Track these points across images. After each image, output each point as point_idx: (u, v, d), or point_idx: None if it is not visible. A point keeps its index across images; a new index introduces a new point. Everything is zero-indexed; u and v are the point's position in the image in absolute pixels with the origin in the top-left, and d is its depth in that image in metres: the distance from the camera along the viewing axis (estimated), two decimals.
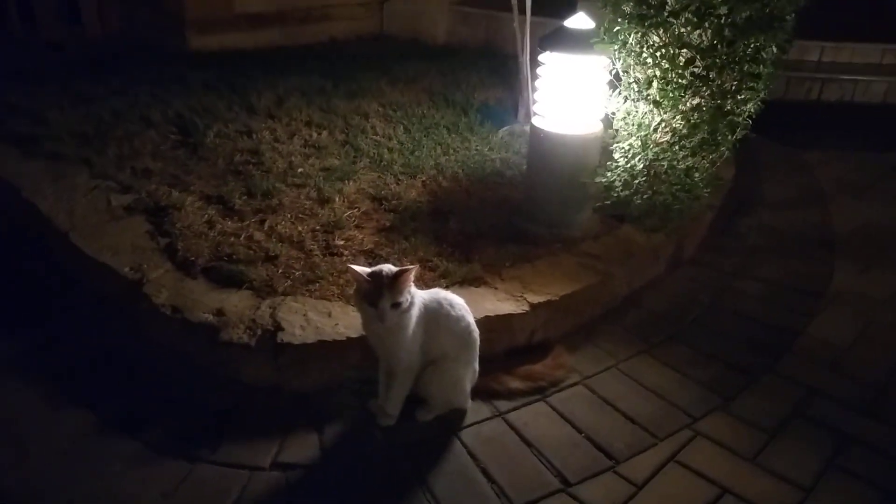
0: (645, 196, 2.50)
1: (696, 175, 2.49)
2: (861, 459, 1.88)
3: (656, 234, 2.62)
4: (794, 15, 2.31)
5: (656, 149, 2.41)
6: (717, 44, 2.20)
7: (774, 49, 2.29)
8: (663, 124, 2.38)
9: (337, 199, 2.75)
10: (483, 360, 1.97)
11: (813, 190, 3.63)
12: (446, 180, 3.02)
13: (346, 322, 2.03)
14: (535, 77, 2.62)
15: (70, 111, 3.45)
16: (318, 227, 2.55)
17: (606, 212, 2.67)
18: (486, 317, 2.09)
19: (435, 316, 1.82)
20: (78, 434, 1.84)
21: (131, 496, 1.67)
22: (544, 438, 1.90)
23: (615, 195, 2.50)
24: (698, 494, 1.75)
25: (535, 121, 2.59)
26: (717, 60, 2.23)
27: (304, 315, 2.06)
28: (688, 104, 2.31)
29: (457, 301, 1.89)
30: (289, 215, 2.62)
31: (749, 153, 3.62)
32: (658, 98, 2.30)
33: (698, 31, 2.21)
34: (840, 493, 1.78)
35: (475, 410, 1.98)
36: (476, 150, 3.34)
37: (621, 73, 2.43)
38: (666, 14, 2.18)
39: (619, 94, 2.45)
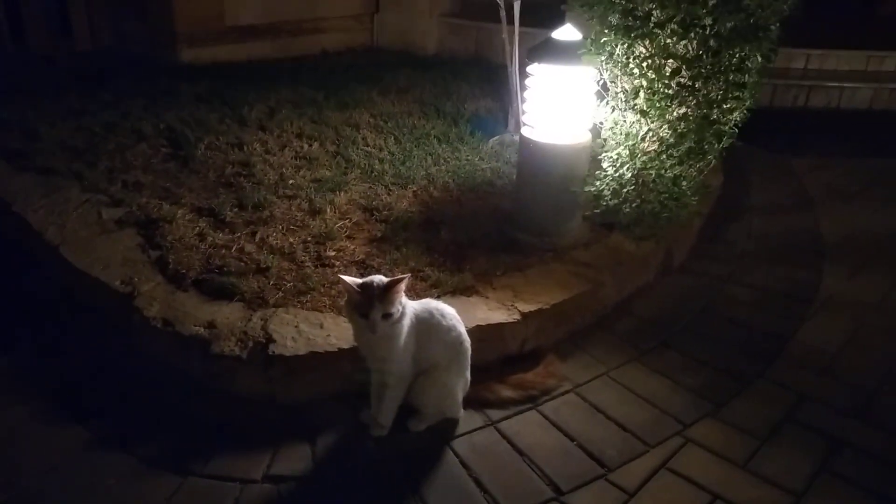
0: (633, 204, 2.52)
1: (684, 183, 2.51)
2: (853, 463, 1.89)
3: (646, 242, 2.64)
4: (778, 24, 2.34)
5: (644, 158, 2.43)
6: (702, 54, 2.23)
7: (759, 58, 2.32)
8: (650, 133, 2.41)
9: (328, 211, 2.76)
10: (475, 369, 1.98)
11: (801, 196, 3.66)
12: (437, 190, 3.04)
13: (337, 333, 2.04)
14: (524, 87, 2.64)
15: (61, 125, 3.45)
16: (309, 239, 2.56)
17: (596, 220, 2.69)
18: (478, 326, 2.10)
19: (426, 326, 1.83)
20: (71, 449, 1.83)
21: None
22: (536, 447, 1.90)
23: (604, 204, 2.52)
24: (690, 501, 1.76)
25: (525, 131, 2.61)
26: (703, 70, 2.25)
27: (296, 327, 2.06)
28: (674, 114, 2.33)
29: (448, 311, 1.89)
30: (280, 227, 2.63)
31: (737, 161, 3.65)
32: (645, 108, 2.32)
33: (684, 42, 2.23)
34: (832, 497, 1.79)
35: (467, 420, 1.98)
36: (467, 159, 3.36)
37: (608, 84, 2.45)
38: (651, 25, 2.20)
39: (607, 104, 2.48)
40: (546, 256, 2.53)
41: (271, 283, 2.27)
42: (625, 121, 2.43)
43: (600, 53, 2.34)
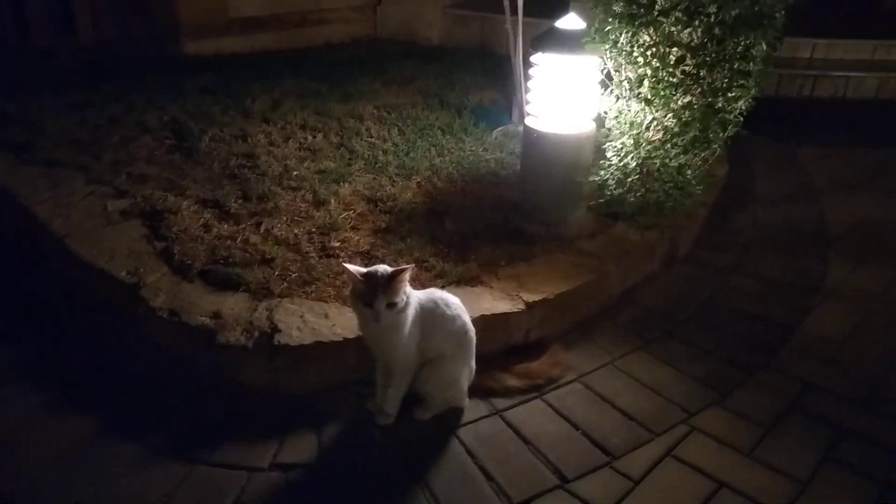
0: (638, 194, 2.52)
1: (689, 172, 2.50)
2: (857, 452, 1.89)
3: (650, 232, 2.63)
4: (783, 12, 2.32)
5: (648, 147, 2.43)
6: (706, 42, 2.22)
7: (764, 47, 2.30)
8: (655, 122, 2.40)
9: (332, 202, 2.76)
10: (480, 359, 1.98)
11: (806, 186, 3.65)
12: (441, 181, 3.04)
13: (342, 323, 2.04)
14: (527, 78, 2.64)
15: (66, 118, 3.46)
16: (313, 230, 2.56)
17: (600, 210, 2.68)
18: (483, 316, 2.10)
19: (430, 316, 1.83)
20: (79, 438, 1.85)
21: (132, 498, 1.68)
22: (541, 435, 1.91)
23: (608, 193, 2.52)
24: (695, 488, 1.76)
25: (529, 121, 2.60)
26: (708, 59, 2.24)
27: (301, 316, 2.07)
28: (679, 102, 2.32)
29: (452, 300, 1.90)
30: (284, 218, 2.63)
31: (742, 150, 3.64)
32: (649, 96, 2.31)
33: (688, 30, 2.22)
34: (837, 485, 1.79)
35: (473, 409, 1.99)
36: (471, 150, 3.36)
37: (612, 73, 2.44)
38: (656, 13, 2.19)
39: (611, 93, 2.46)
40: (550, 246, 2.53)
41: (276, 273, 2.28)
42: (629, 110, 2.42)
43: (604, 42, 2.33)
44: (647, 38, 2.27)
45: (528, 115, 2.65)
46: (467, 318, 1.91)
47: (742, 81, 2.28)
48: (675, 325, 2.43)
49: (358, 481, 1.76)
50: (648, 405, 2.04)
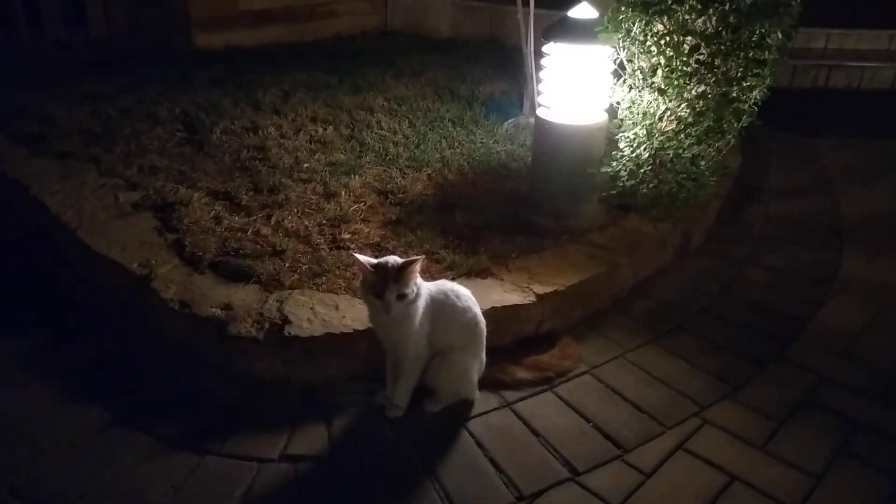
0: (651, 185, 2.49)
1: (703, 163, 2.47)
2: (871, 446, 1.87)
3: (663, 224, 2.61)
4: (798, 1, 2.28)
5: (661, 137, 2.40)
6: (721, 30, 2.19)
7: (780, 35, 2.27)
8: (668, 112, 2.37)
9: (343, 194, 2.76)
10: (490, 351, 1.98)
11: (820, 178, 3.61)
12: (452, 173, 3.02)
13: (353, 314, 2.04)
14: (539, 69, 2.61)
15: (77, 110, 3.47)
16: (324, 222, 2.56)
17: (612, 202, 2.66)
18: (493, 308, 2.09)
19: (441, 307, 1.83)
20: (89, 430, 1.86)
21: (142, 488, 1.68)
22: (552, 428, 1.90)
23: (621, 185, 2.49)
24: (707, 482, 1.75)
25: (540, 112, 2.58)
26: (722, 47, 2.21)
27: (312, 308, 2.07)
28: (693, 92, 2.29)
29: (463, 292, 1.89)
30: (295, 210, 2.63)
31: (755, 142, 3.60)
32: (663, 86, 2.28)
33: (703, 18, 2.19)
34: (850, 479, 1.77)
35: (483, 401, 1.98)
36: (481, 142, 3.34)
37: (625, 62, 2.41)
38: (670, 1, 2.16)
39: (624, 83, 2.44)
40: (562, 238, 2.51)
41: (287, 265, 2.28)
42: (642, 100, 2.39)
43: (618, 31, 2.30)
44: (660, 27, 2.24)
45: (540, 105, 2.62)
46: (478, 310, 1.90)
47: (757, 70, 2.25)
48: (687, 318, 2.41)
49: (367, 473, 1.76)
50: (660, 398, 2.03)
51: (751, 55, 2.25)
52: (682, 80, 2.26)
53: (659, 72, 2.30)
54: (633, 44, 2.33)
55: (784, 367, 2.18)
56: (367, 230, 2.53)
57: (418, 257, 1.72)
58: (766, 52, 2.28)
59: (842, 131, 4.19)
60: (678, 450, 1.85)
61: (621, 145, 2.48)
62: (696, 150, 2.42)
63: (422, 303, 1.77)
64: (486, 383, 2.01)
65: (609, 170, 2.48)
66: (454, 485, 1.72)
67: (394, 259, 1.72)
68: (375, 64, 4.49)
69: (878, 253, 2.87)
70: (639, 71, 2.39)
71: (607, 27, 2.30)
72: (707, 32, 2.22)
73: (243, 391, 2.00)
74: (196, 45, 4.79)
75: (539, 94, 2.64)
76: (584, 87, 2.46)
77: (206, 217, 2.54)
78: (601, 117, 2.53)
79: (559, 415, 1.96)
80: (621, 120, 2.51)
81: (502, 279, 2.27)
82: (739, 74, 2.29)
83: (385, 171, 3.00)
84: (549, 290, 2.22)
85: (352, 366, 2.04)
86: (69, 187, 2.76)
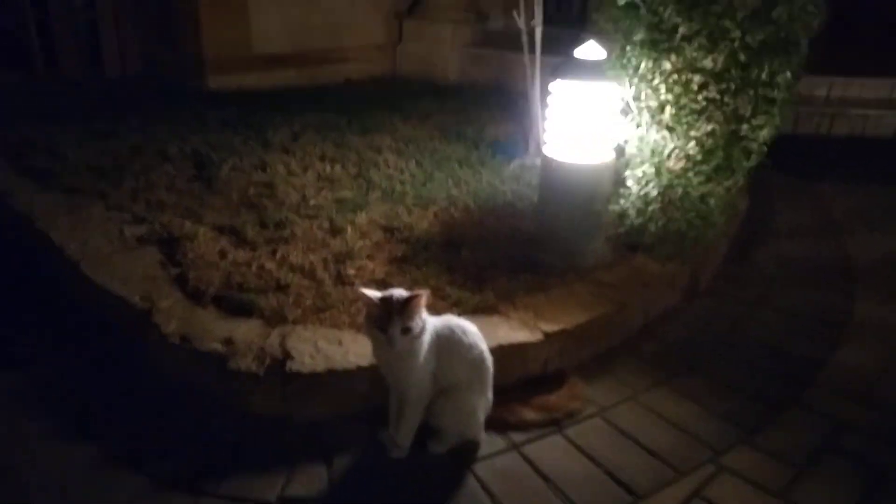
0: (659, 223, 2.47)
1: (712, 201, 2.46)
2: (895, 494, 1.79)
3: (671, 263, 2.58)
4: (807, 41, 2.30)
5: (670, 175, 2.39)
6: (730, 68, 2.20)
7: (788, 74, 2.28)
8: (677, 150, 2.36)
9: (349, 230, 2.74)
10: (496, 391, 1.92)
11: (827, 221, 3.59)
12: (458, 211, 3.01)
13: (356, 350, 1.99)
14: (545, 107, 2.63)
15: (88, 147, 3.50)
16: (329, 257, 2.54)
17: (620, 241, 2.63)
18: (500, 345, 2.04)
19: (447, 343, 1.78)
20: (82, 468, 1.79)
21: None
22: (562, 472, 1.83)
23: (628, 223, 2.47)
24: None
25: (547, 150, 2.58)
26: (732, 85, 2.22)
27: (314, 343, 2.02)
28: (701, 129, 2.29)
29: (469, 328, 1.85)
30: (301, 245, 2.61)
31: (762, 185, 3.59)
32: (671, 123, 2.28)
33: (711, 56, 2.20)
34: None
35: (489, 442, 1.91)
36: (487, 182, 3.34)
37: (632, 101, 2.42)
38: (678, 39, 2.18)
39: (632, 120, 2.44)
40: (568, 277, 2.48)
41: (291, 300, 2.24)
42: (650, 137, 2.39)
43: (625, 69, 2.31)
44: (668, 65, 2.26)
45: (547, 144, 2.63)
46: (485, 347, 1.85)
47: (766, 108, 2.25)
48: (698, 360, 2.35)
49: None
50: (673, 442, 1.96)
51: (760, 93, 2.26)
52: (690, 118, 2.26)
53: (667, 109, 2.31)
54: (641, 81, 2.34)
55: (800, 411, 2.11)
56: (372, 266, 2.51)
57: (424, 291, 1.68)
58: (776, 91, 2.28)
59: (846, 177, 4.19)
60: (694, 497, 1.77)
61: (629, 183, 2.47)
62: (705, 188, 2.40)
63: (427, 338, 1.72)
64: (493, 424, 1.94)
65: (616, 207, 2.47)
66: None
67: (399, 292, 1.68)
68: (384, 107, 4.54)
69: (892, 296, 2.81)
70: (646, 109, 2.39)
71: (616, 64, 2.31)
72: (715, 70, 2.23)
73: (242, 428, 1.94)
74: (209, 87, 4.88)
75: (545, 131, 2.65)
76: (591, 126, 2.46)
77: (211, 251, 2.52)
78: (608, 156, 2.52)
79: (569, 459, 1.88)
80: (628, 158, 2.50)
81: (509, 317, 2.23)
82: (749, 112, 2.29)
83: (391, 208, 3.00)
84: (556, 328, 2.17)
85: (354, 403, 1.98)
86: (75, 221, 2.76)
